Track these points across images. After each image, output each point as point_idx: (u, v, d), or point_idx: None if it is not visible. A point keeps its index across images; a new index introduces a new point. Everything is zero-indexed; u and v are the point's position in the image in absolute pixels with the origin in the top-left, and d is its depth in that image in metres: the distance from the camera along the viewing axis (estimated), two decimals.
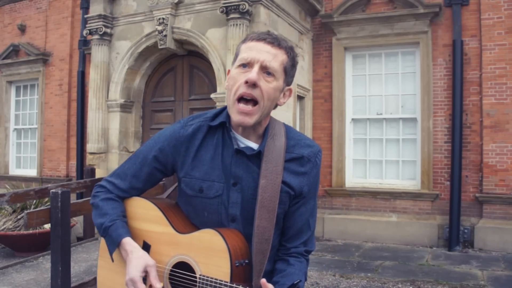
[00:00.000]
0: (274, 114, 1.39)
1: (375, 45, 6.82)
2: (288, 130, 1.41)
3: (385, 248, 6.24)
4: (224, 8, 5.62)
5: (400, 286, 4.54)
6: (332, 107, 7.02)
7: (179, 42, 6.49)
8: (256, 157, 1.33)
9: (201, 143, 1.37)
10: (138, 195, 1.48)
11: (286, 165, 1.34)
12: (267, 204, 1.29)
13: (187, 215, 1.42)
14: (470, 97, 6.26)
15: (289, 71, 1.34)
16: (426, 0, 6.40)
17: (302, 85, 6.84)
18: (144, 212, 1.43)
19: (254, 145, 1.35)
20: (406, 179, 6.75)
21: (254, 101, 1.27)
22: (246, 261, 1.27)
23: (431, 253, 5.93)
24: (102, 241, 1.46)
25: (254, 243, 1.28)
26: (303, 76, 6.93)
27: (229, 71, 1.36)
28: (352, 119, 7.07)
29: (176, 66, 6.96)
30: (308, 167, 1.38)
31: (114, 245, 1.36)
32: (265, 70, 1.27)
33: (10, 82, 9.68)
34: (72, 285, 3.17)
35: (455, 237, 6.03)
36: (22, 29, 9.44)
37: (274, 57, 1.28)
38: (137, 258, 1.30)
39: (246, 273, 1.28)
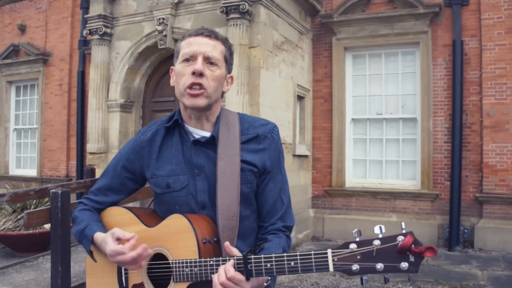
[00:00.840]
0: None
1: (375, 45, 6.82)
2: (242, 116, 1.49)
3: None
4: (224, 8, 5.62)
5: (400, 286, 4.54)
6: (332, 107, 7.02)
7: None
8: (212, 143, 1.40)
9: (161, 144, 1.46)
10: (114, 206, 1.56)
11: (243, 147, 1.41)
12: (228, 183, 1.35)
13: (162, 215, 1.47)
14: (470, 97, 6.26)
15: (229, 59, 1.44)
16: (426, 0, 6.40)
17: (302, 85, 6.83)
18: (119, 218, 1.49)
19: (208, 134, 1.43)
20: (406, 179, 6.75)
21: (202, 88, 1.36)
22: (215, 239, 1.31)
23: None
24: (88, 259, 1.51)
25: (220, 220, 1.33)
26: (303, 76, 6.93)
27: (172, 69, 1.45)
28: (352, 119, 7.07)
29: None
30: (266, 143, 1.43)
31: (88, 242, 1.42)
32: (208, 60, 1.37)
33: (10, 82, 9.68)
34: (72, 285, 3.17)
35: (455, 237, 6.03)
36: (22, 29, 9.44)
37: (214, 48, 1.38)
38: (105, 237, 1.36)
39: (216, 250, 1.32)
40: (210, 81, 1.35)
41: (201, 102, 1.35)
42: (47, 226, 5.34)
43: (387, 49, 6.84)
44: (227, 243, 1.24)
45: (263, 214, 1.45)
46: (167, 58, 6.97)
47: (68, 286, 3.06)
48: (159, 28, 6.29)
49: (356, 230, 1.14)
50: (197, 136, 1.42)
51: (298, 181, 6.68)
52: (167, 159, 1.43)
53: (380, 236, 1.06)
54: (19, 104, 9.76)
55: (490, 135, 6.08)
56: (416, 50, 6.63)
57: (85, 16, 7.34)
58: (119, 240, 1.32)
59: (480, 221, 6.07)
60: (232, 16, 5.60)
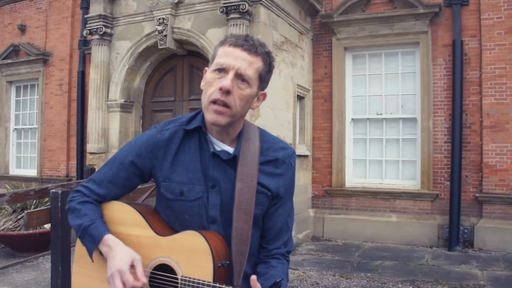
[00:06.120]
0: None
1: (375, 45, 6.83)
2: (262, 133, 1.45)
3: (385, 248, 6.24)
4: (224, 8, 5.62)
5: (400, 286, 4.54)
6: (332, 107, 7.02)
7: (179, 42, 6.49)
8: (232, 160, 1.37)
9: (179, 147, 1.39)
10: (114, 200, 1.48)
11: (261, 168, 1.38)
12: (244, 206, 1.33)
13: (167, 219, 1.43)
14: (470, 97, 6.26)
15: (264, 77, 1.38)
16: (426, 0, 6.40)
17: (302, 85, 6.83)
18: (123, 216, 1.42)
19: (229, 149, 1.39)
20: (406, 179, 6.75)
21: (226, 106, 1.30)
22: (227, 262, 1.29)
23: (431, 253, 5.93)
24: (77, 246, 1.45)
25: (234, 244, 1.31)
26: (303, 76, 6.93)
27: (205, 70, 1.39)
28: (352, 119, 7.07)
29: (176, 66, 6.96)
30: (283, 169, 1.42)
31: (94, 243, 1.34)
32: (239, 77, 1.30)
33: (10, 82, 9.69)
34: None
35: (455, 237, 6.03)
36: (22, 29, 9.44)
37: (250, 65, 1.31)
38: (123, 252, 1.30)
39: (227, 273, 1.30)
40: (237, 99, 1.30)
41: (222, 120, 1.30)
42: (47, 226, 5.34)
43: (387, 49, 6.84)
44: (254, 277, 1.22)
45: (268, 237, 1.44)
46: (167, 58, 6.97)
47: (68, 286, 3.06)
48: (159, 28, 6.29)
49: None
50: (218, 149, 1.38)
51: (298, 181, 6.68)
52: (183, 163, 1.38)
53: None
54: (19, 104, 9.76)
55: (490, 135, 6.08)
56: (416, 50, 6.64)
57: (85, 16, 7.34)
58: (132, 268, 1.28)
59: (480, 221, 6.07)
60: (232, 16, 5.60)
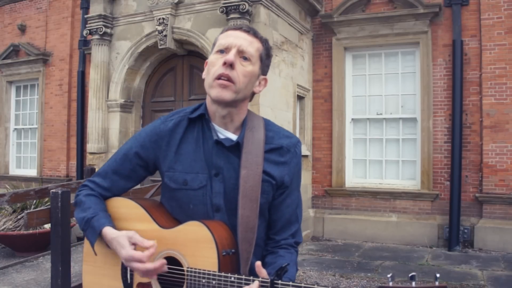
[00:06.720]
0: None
1: (375, 45, 6.83)
2: (267, 123, 1.45)
3: (385, 248, 6.24)
4: (224, 8, 5.62)
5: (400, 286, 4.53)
6: (332, 107, 7.02)
7: (179, 42, 6.49)
8: (236, 148, 1.36)
9: (182, 136, 1.40)
10: (120, 194, 1.48)
11: (266, 156, 1.37)
12: (249, 193, 1.32)
13: (171, 211, 1.43)
14: (470, 97, 6.26)
15: (264, 60, 1.40)
16: (426, 0, 6.41)
17: (302, 85, 6.83)
18: (127, 211, 1.43)
19: (233, 136, 1.38)
20: (406, 179, 6.75)
21: (231, 80, 1.32)
22: (233, 250, 1.28)
23: (431, 253, 5.94)
24: (85, 245, 1.46)
25: (239, 232, 1.31)
26: (303, 76, 6.93)
27: (206, 62, 1.41)
28: (352, 119, 7.07)
29: (176, 66, 6.96)
30: (288, 157, 1.41)
31: (95, 235, 1.35)
32: (241, 54, 1.33)
33: (10, 82, 9.69)
34: (72, 285, 3.17)
35: (455, 237, 6.03)
36: (22, 29, 9.44)
37: (251, 43, 1.35)
38: (119, 241, 1.30)
39: (233, 262, 1.29)
40: (240, 75, 1.31)
41: (227, 95, 1.30)
42: (47, 226, 5.34)
43: (387, 49, 6.84)
44: (258, 263, 1.21)
45: (276, 227, 1.43)
46: (167, 58, 6.97)
47: (68, 286, 3.06)
48: (159, 28, 6.29)
49: (390, 274, 1.12)
50: (221, 136, 1.38)
51: None
52: (186, 153, 1.38)
53: (414, 284, 1.04)
54: (19, 104, 9.76)
55: (490, 135, 6.08)
56: (416, 50, 6.64)
57: (85, 16, 7.35)
58: (135, 245, 1.28)
59: (480, 221, 6.07)
60: (232, 16, 5.60)
